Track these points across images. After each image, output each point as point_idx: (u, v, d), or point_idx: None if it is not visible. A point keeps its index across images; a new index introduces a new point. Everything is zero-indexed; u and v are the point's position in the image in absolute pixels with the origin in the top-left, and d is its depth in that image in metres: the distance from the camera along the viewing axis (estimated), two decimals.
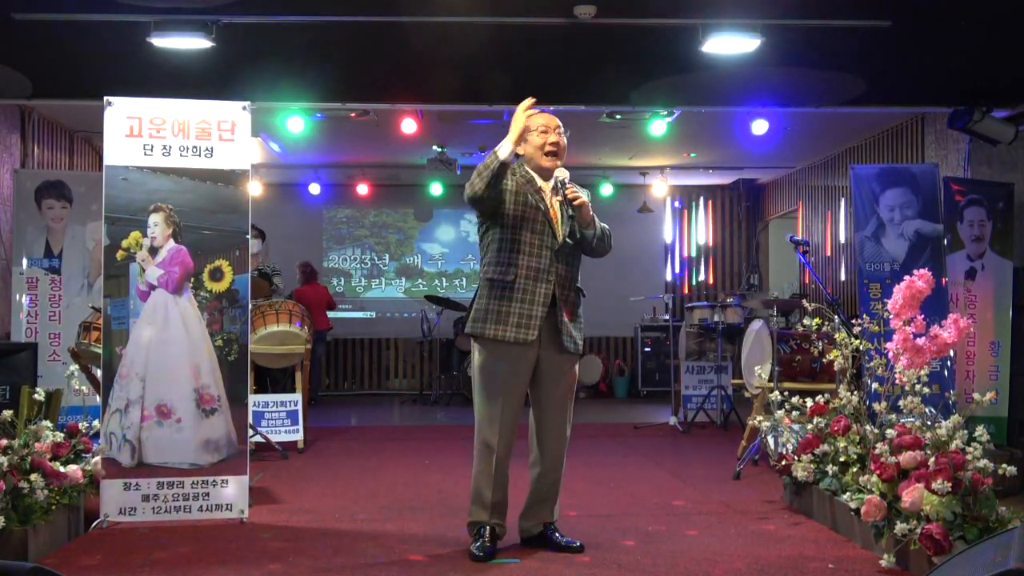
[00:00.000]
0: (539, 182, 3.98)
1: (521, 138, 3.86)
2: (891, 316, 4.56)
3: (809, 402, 4.97)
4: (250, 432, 5.40)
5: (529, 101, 3.86)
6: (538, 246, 3.90)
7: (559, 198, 3.90)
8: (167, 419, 4.58)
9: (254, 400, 6.72)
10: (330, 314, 10.99)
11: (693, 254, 12.61)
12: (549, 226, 3.91)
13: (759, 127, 8.02)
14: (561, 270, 3.93)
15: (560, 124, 4.03)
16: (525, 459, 4.15)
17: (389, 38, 5.43)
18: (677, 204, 12.52)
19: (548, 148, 3.95)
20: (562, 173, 3.90)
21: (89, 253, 7.18)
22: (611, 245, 4.08)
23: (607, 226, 4.08)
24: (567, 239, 3.95)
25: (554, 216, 3.94)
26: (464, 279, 12.41)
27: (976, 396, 4.16)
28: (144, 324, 4.61)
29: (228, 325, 4.71)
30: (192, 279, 4.68)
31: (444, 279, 12.46)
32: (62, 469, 4.25)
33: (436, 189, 11.50)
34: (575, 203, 3.83)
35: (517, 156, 3.98)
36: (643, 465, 6.55)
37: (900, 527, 3.72)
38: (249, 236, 4.77)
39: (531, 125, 3.98)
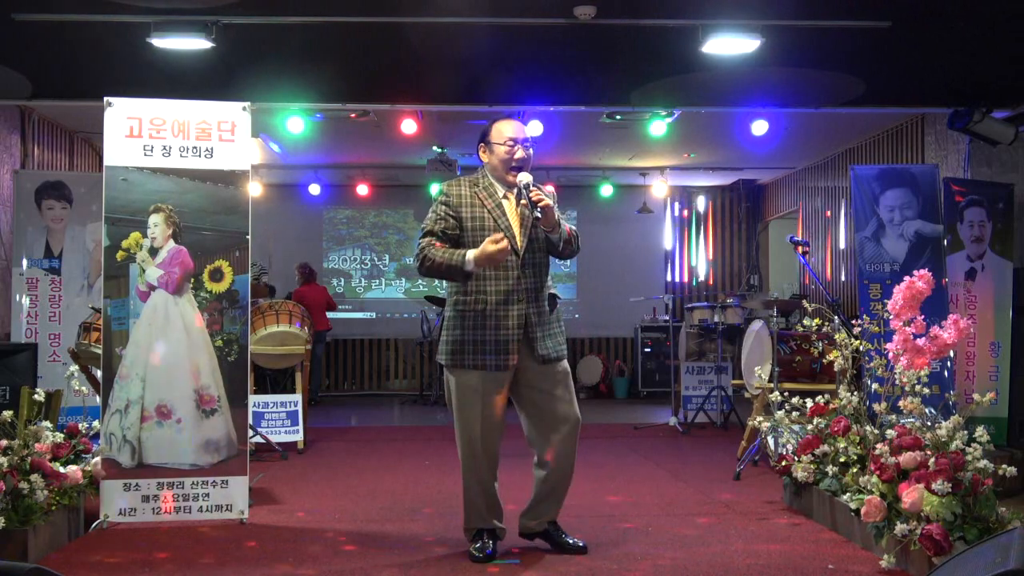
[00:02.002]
0: (501, 193, 3.96)
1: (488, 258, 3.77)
2: (891, 317, 4.57)
3: (809, 403, 4.97)
4: (250, 433, 5.40)
5: (504, 244, 3.69)
6: (503, 267, 3.85)
7: (524, 202, 3.82)
8: (167, 419, 4.58)
9: (254, 401, 6.72)
10: (330, 315, 10.99)
11: (693, 255, 12.61)
12: (511, 245, 3.84)
13: (759, 128, 8.02)
14: (529, 284, 3.90)
15: (527, 134, 3.99)
16: (526, 458, 4.14)
17: (389, 38, 5.43)
18: (677, 205, 12.52)
19: (514, 163, 3.90)
20: (525, 178, 3.84)
21: (89, 254, 7.18)
22: (579, 246, 4.03)
23: (574, 227, 4.04)
24: (531, 250, 3.90)
25: (517, 228, 3.90)
26: None
27: (976, 397, 4.16)
28: (144, 325, 4.61)
29: (228, 325, 4.71)
30: (192, 280, 4.68)
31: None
32: (62, 470, 4.25)
33: (436, 190, 11.50)
34: (539, 205, 3.76)
35: (481, 162, 4.04)
36: (643, 465, 6.55)
37: (900, 528, 3.72)
38: (249, 238, 4.78)
39: (497, 135, 3.95)
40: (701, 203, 12.59)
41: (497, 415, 3.94)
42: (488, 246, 3.68)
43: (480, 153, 4.03)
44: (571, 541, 4.04)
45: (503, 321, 3.85)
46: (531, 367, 3.91)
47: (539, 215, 3.80)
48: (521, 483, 4.21)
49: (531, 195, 3.78)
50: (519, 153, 3.91)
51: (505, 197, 3.94)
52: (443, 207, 3.93)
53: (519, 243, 3.89)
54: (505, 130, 3.95)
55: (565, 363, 4.01)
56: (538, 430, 3.99)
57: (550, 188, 4.10)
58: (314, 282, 10.94)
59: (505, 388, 3.94)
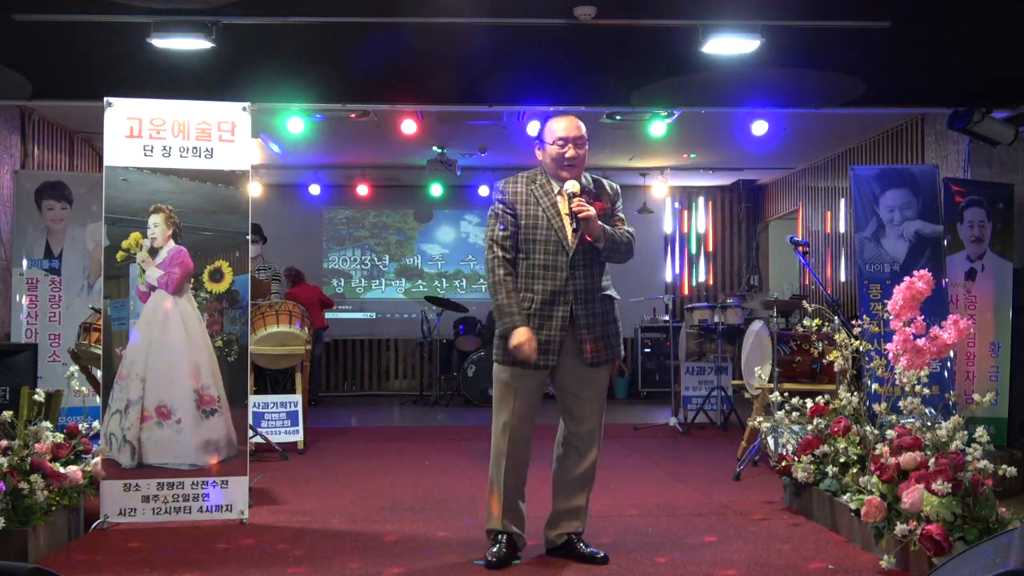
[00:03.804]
0: (556, 190, 3.94)
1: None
2: (891, 317, 4.56)
3: (809, 403, 4.97)
4: (250, 433, 5.40)
5: (525, 353, 3.75)
6: (552, 267, 3.85)
7: (566, 212, 3.84)
8: (167, 420, 4.58)
9: (254, 401, 6.72)
10: (330, 315, 10.97)
11: (693, 255, 12.61)
12: (562, 244, 3.86)
13: (759, 128, 8.02)
14: (579, 285, 3.87)
15: (582, 132, 3.96)
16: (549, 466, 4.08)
17: (389, 38, 5.42)
18: (677, 205, 12.52)
19: (566, 161, 3.90)
20: (572, 186, 3.84)
21: (89, 254, 7.18)
22: (630, 251, 4.01)
23: (630, 230, 4.02)
24: (582, 251, 3.87)
25: (569, 228, 3.87)
26: (464, 280, 12.40)
27: (976, 397, 4.16)
28: (144, 325, 4.61)
29: (228, 326, 4.71)
30: (192, 280, 4.68)
31: (444, 280, 12.46)
32: (62, 470, 4.24)
33: (436, 190, 11.50)
34: (580, 216, 3.77)
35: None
36: (643, 466, 6.55)
37: (900, 528, 3.72)
38: (249, 238, 4.78)
39: (549, 134, 3.93)
40: (701, 203, 12.59)
41: (528, 413, 3.90)
42: (521, 345, 3.74)
43: (536, 151, 4.02)
44: (591, 552, 3.92)
45: (546, 322, 3.84)
46: (571, 367, 3.89)
47: (575, 226, 3.81)
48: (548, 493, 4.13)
49: (573, 206, 3.78)
50: (569, 152, 3.90)
51: (560, 194, 3.92)
52: (500, 205, 3.93)
53: (570, 243, 3.87)
54: (556, 129, 3.93)
55: (608, 370, 3.98)
56: (563, 433, 3.99)
57: (616, 186, 4.09)
58: (303, 282, 10.89)
59: (540, 387, 3.92)
